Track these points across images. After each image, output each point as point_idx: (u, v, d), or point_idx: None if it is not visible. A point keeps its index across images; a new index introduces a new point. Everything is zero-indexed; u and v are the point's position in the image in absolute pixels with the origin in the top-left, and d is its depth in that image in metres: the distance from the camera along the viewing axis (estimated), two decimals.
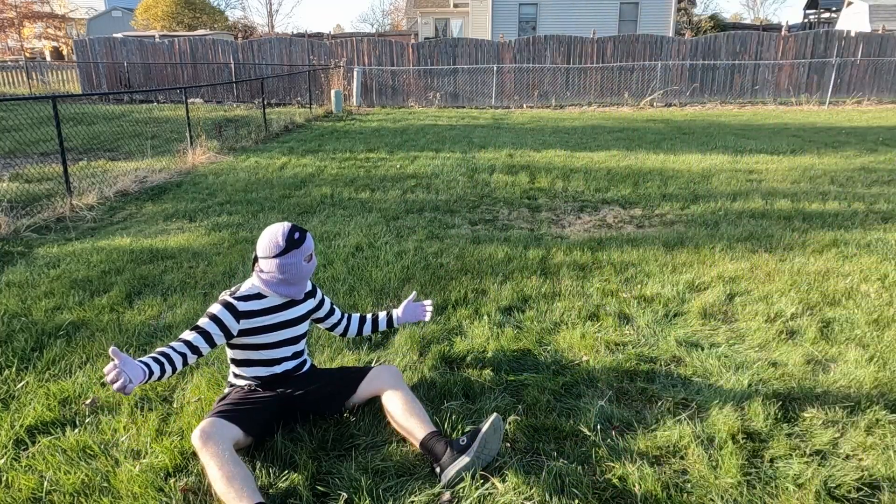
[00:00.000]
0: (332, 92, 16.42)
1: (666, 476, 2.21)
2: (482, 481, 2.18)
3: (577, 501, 2.10)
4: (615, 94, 18.64)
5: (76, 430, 2.50)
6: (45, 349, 3.16)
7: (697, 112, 16.25)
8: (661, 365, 3.01)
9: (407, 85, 18.78)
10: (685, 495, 2.13)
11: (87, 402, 2.68)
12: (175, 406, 2.66)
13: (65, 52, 34.31)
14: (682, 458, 2.33)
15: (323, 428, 2.48)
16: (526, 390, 2.76)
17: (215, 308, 2.37)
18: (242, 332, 2.41)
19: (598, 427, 2.49)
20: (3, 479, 2.22)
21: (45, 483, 2.19)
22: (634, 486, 2.16)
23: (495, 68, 18.42)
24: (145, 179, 7.47)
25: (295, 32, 30.55)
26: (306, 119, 14.11)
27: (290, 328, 2.52)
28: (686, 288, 3.97)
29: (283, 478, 2.23)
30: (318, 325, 2.83)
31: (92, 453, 2.36)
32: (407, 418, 2.34)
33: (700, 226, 5.46)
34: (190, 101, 17.15)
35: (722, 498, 2.11)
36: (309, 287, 2.65)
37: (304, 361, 2.64)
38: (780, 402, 2.65)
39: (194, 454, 2.33)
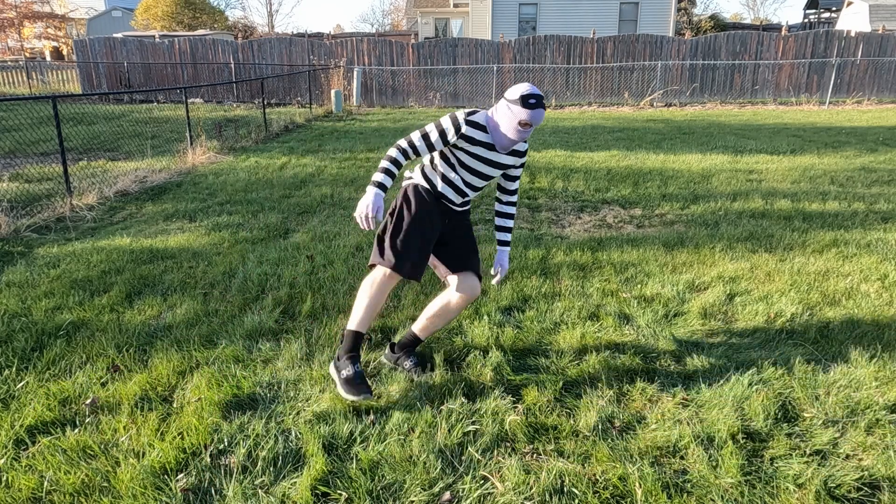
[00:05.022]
0: (332, 92, 16.42)
1: (666, 476, 2.21)
2: (482, 481, 2.18)
3: (577, 501, 2.10)
4: (615, 94, 18.64)
5: (76, 430, 2.50)
6: (45, 349, 3.16)
7: (697, 112, 16.25)
8: (661, 365, 3.01)
9: (407, 85, 18.79)
10: (685, 495, 2.13)
11: (87, 402, 2.68)
12: (175, 406, 2.67)
13: (65, 52, 34.31)
14: (682, 458, 2.33)
15: (327, 427, 2.48)
16: (526, 390, 2.76)
17: (444, 121, 2.58)
18: (453, 146, 2.65)
19: (598, 427, 2.49)
20: (3, 479, 2.22)
21: (45, 483, 2.19)
22: (634, 485, 2.16)
23: (495, 68, 18.42)
24: (145, 179, 7.47)
25: (295, 32, 30.54)
26: (306, 119, 14.11)
27: (487, 167, 2.69)
28: (686, 288, 3.97)
29: (288, 479, 2.23)
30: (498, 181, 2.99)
31: (92, 453, 2.36)
32: (426, 314, 2.87)
33: (700, 226, 5.46)
34: (190, 101, 17.15)
35: (722, 498, 2.11)
36: (521, 149, 2.75)
37: (468, 203, 2.92)
38: (780, 402, 2.65)
39: (195, 454, 2.33)
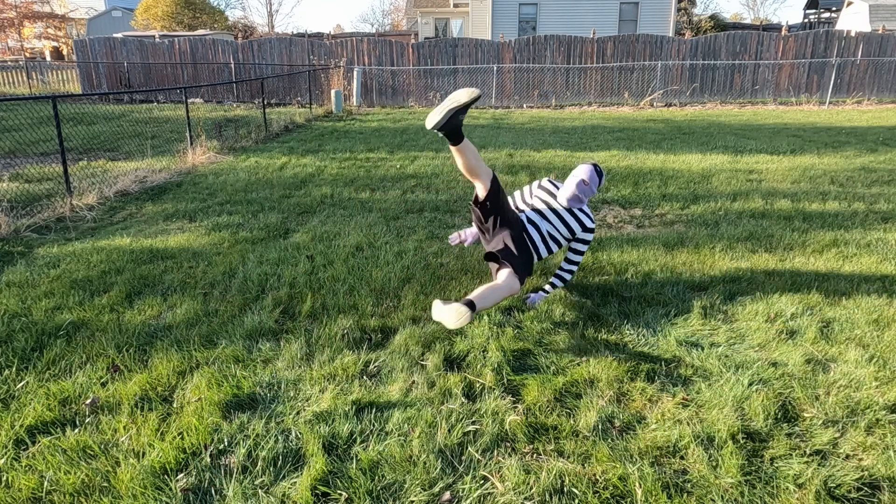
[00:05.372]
0: (332, 92, 16.42)
1: (666, 476, 2.22)
2: (482, 481, 2.18)
3: (577, 501, 2.11)
4: (615, 94, 18.64)
5: (76, 430, 2.50)
6: (45, 349, 3.16)
7: (697, 112, 16.26)
8: (661, 365, 3.01)
9: (407, 85, 18.79)
10: (685, 495, 2.13)
11: (87, 402, 2.69)
12: (175, 406, 2.67)
13: (65, 52, 34.31)
14: (682, 458, 2.33)
15: (327, 427, 2.48)
16: (526, 390, 2.76)
17: (533, 182, 3.79)
18: (535, 196, 3.69)
19: (598, 427, 2.49)
20: (3, 479, 2.22)
21: (45, 483, 2.19)
22: (634, 485, 2.16)
23: (495, 68, 18.42)
24: (145, 179, 7.47)
25: (295, 32, 30.55)
26: (306, 119, 14.11)
27: (554, 217, 3.56)
28: (686, 288, 3.97)
29: (288, 479, 2.23)
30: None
31: (92, 453, 2.36)
32: (483, 285, 3.19)
33: (700, 226, 5.46)
34: (190, 101, 17.13)
35: (722, 498, 2.12)
36: (586, 223, 3.59)
37: (539, 250, 3.54)
38: (780, 402, 2.65)
39: (195, 454, 2.33)
